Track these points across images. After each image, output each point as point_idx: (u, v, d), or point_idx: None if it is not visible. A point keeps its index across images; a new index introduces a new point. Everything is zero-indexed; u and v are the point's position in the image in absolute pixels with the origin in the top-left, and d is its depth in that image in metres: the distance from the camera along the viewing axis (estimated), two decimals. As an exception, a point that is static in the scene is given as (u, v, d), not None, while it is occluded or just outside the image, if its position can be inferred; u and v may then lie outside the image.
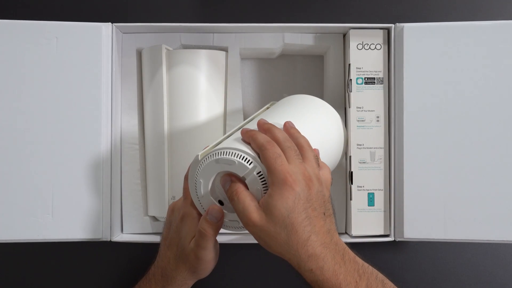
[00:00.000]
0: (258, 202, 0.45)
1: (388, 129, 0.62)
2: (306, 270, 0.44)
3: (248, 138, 0.47)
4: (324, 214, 0.45)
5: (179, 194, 0.61)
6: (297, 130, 0.50)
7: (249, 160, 0.45)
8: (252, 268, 0.69)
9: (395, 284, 0.48)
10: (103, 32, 0.60)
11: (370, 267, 0.46)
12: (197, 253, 0.48)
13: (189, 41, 0.65)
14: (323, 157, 0.52)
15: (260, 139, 0.46)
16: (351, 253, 0.46)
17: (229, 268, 0.68)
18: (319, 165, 0.48)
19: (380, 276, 0.46)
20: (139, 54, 0.66)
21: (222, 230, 0.50)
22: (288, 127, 0.49)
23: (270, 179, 0.44)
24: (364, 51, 0.63)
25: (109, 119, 0.61)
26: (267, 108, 0.60)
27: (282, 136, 0.47)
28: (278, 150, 0.45)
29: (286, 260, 0.45)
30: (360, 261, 0.46)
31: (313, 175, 0.45)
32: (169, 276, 0.51)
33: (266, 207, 0.43)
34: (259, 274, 0.69)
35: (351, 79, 0.62)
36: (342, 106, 0.65)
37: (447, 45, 0.60)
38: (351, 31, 0.63)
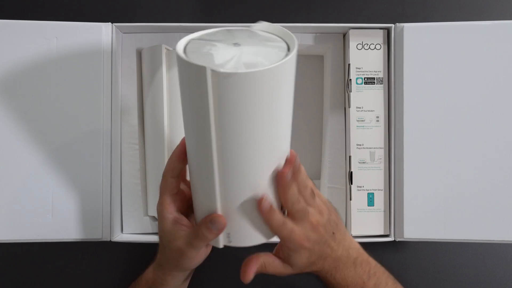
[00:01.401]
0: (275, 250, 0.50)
1: (388, 129, 0.62)
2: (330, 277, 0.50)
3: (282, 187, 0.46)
4: (333, 233, 0.50)
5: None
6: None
7: None
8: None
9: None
10: (103, 32, 0.60)
11: (383, 267, 0.52)
12: (186, 252, 0.48)
13: (189, 41, 0.65)
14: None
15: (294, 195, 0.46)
16: (364, 255, 0.52)
17: (227, 268, 0.68)
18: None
19: (391, 276, 0.53)
20: (139, 54, 0.66)
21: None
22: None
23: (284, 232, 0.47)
24: (364, 51, 0.63)
25: (109, 119, 0.61)
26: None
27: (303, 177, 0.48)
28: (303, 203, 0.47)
29: None
30: (373, 261, 0.52)
31: (323, 205, 0.49)
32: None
33: (288, 262, 0.49)
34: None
35: (350, 79, 0.62)
36: (342, 106, 0.65)
37: (447, 45, 0.60)
38: (351, 31, 0.63)
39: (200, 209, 0.47)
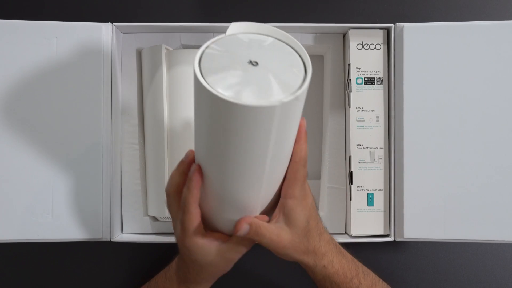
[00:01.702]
0: (270, 219, 0.47)
1: (388, 129, 0.62)
2: (320, 267, 0.49)
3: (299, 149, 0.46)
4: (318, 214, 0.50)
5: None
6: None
7: None
8: (253, 268, 0.69)
9: (395, 285, 0.49)
10: (103, 32, 0.60)
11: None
12: (223, 266, 0.49)
13: (189, 41, 0.65)
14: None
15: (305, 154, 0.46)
16: (338, 245, 0.52)
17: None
18: None
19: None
20: (139, 54, 0.66)
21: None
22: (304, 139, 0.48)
23: (292, 191, 0.46)
24: (364, 51, 0.63)
25: (109, 119, 0.61)
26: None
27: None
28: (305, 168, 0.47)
29: (299, 263, 0.49)
30: (345, 251, 0.52)
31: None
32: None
33: (289, 221, 0.46)
34: (260, 274, 0.69)
35: (350, 79, 0.62)
36: (342, 106, 0.65)
37: (447, 45, 0.60)
38: (351, 31, 0.63)
39: (227, 221, 0.48)
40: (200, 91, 0.39)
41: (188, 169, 0.46)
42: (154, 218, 0.65)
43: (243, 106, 0.37)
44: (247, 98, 0.37)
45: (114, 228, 0.61)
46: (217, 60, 0.40)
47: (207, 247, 0.47)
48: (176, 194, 0.48)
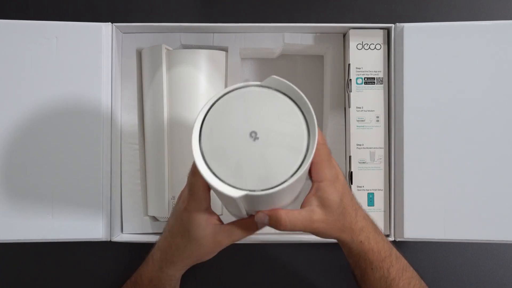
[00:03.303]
0: (302, 204, 0.47)
1: (388, 129, 0.62)
2: (357, 243, 0.49)
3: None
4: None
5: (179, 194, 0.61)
6: None
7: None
8: (255, 267, 0.69)
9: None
10: (103, 32, 0.60)
11: None
12: (223, 245, 0.49)
13: (189, 41, 0.65)
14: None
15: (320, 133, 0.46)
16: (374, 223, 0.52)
17: (234, 267, 0.68)
18: None
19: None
20: (139, 54, 0.66)
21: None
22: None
23: (322, 174, 0.46)
24: (364, 51, 0.63)
25: (109, 119, 0.61)
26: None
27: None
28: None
29: (337, 239, 0.50)
30: (380, 230, 0.52)
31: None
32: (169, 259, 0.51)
33: (322, 203, 0.46)
34: (260, 274, 0.69)
35: (350, 79, 0.62)
36: (342, 106, 0.65)
37: (447, 45, 0.60)
38: (351, 31, 0.63)
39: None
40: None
41: None
42: (154, 218, 0.65)
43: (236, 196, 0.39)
44: (247, 182, 0.39)
45: (114, 228, 0.61)
46: (216, 136, 0.40)
47: (206, 219, 0.48)
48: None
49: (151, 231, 0.65)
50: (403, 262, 0.53)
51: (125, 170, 0.64)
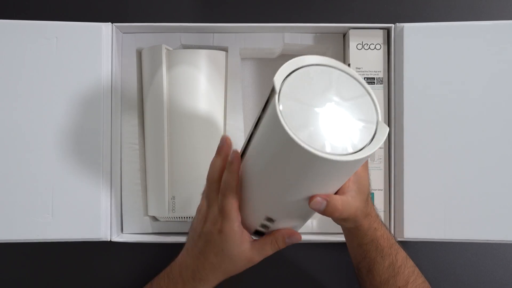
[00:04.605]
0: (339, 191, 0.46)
1: (388, 129, 0.62)
2: (372, 229, 0.50)
3: None
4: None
5: (179, 194, 0.61)
6: None
7: None
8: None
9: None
10: (103, 32, 0.60)
11: None
12: (254, 261, 0.50)
13: (189, 41, 0.65)
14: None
15: None
16: None
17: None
18: None
19: None
20: (139, 54, 0.66)
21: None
22: None
23: None
24: (364, 51, 0.63)
25: (109, 119, 0.61)
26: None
27: None
28: None
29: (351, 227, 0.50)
30: None
31: None
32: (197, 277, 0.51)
33: (359, 188, 0.46)
34: (260, 273, 0.69)
35: (351, 79, 0.62)
36: (342, 106, 0.65)
37: (447, 45, 0.60)
38: (351, 31, 0.63)
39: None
40: (280, 136, 0.37)
41: (228, 152, 0.47)
42: (154, 218, 0.65)
43: (327, 160, 0.37)
44: (328, 149, 0.37)
45: (114, 228, 0.61)
46: (300, 97, 0.39)
47: (241, 236, 0.48)
48: (220, 180, 0.48)
49: (151, 231, 0.65)
50: (404, 251, 0.54)
51: (125, 170, 0.64)
